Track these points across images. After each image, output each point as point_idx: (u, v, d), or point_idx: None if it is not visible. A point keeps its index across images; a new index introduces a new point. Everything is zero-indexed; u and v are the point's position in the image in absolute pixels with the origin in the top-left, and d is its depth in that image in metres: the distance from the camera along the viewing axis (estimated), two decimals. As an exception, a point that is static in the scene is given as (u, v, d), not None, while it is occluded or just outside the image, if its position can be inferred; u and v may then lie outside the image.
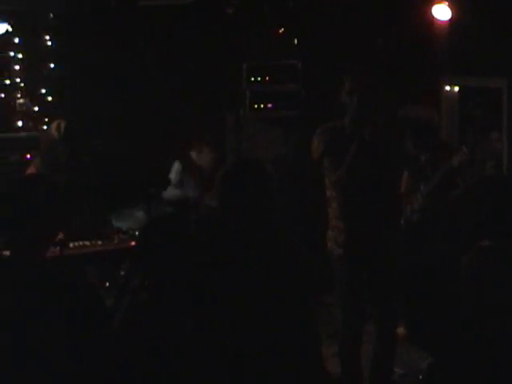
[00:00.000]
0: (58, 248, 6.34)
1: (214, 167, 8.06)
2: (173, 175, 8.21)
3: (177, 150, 8.42)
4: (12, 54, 8.52)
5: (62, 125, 7.30)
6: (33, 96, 8.66)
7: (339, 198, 5.88)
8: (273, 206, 4.05)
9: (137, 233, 7.04)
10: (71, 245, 6.82)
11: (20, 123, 8.51)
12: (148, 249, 3.95)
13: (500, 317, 3.68)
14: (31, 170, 7.24)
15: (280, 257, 3.91)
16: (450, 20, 8.17)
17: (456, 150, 6.77)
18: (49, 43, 8.71)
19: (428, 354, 6.37)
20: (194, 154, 8.40)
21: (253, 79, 9.08)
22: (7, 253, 3.68)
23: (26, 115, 8.59)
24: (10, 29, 8.41)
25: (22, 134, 8.48)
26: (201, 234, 4.29)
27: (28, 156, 8.10)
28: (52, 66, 8.74)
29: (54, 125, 7.38)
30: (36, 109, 8.64)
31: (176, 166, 8.26)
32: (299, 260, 4.03)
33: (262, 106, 9.12)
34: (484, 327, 3.68)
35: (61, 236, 6.15)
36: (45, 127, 8.53)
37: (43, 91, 8.70)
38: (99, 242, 7.03)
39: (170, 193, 7.97)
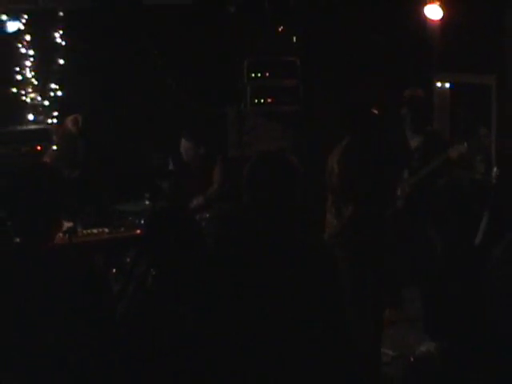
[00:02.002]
0: (67, 236, 6.37)
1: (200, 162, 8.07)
2: (171, 167, 8.26)
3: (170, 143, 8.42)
4: (23, 50, 8.61)
5: (80, 119, 7.44)
6: (43, 91, 8.73)
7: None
8: (300, 199, 3.83)
9: (142, 222, 7.16)
10: (79, 233, 6.90)
11: (31, 117, 8.61)
12: (153, 238, 3.93)
13: None
14: (46, 159, 7.41)
15: (307, 251, 3.76)
16: (442, 19, 8.35)
17: (453, 143, 6.97)
18: (58, 40, 8.80)
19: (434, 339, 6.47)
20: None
21: (253, 75, 9.27)
22: (18, 240, 3.72)
23: (37, 109, 8.68)
24: (22, 27, 8.51)
25: (33, 127, 8.54)
26: (225, 229, 4.18)
27: (38, 148, 8.18)
28: (61, 61, 8.83)
29: (70, 119, 7.49)
30: (46, 103, 8.73)
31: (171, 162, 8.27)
32: (324, 254, 3.92)
33: (262, 100, 9.29)
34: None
35: (70, 224, 6.38)
36: (52, 121, 8.70)
37: (53, 86, 8.79)
38: (106, 230, 7.12)
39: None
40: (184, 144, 8.01)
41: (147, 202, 7.35)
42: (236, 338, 3.57)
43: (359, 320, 5.94)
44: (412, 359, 6.41)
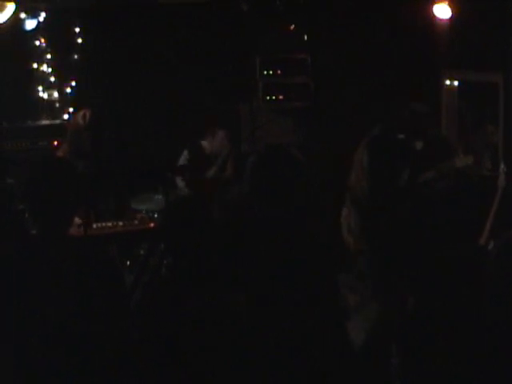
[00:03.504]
0: (82, 228, 6.53)
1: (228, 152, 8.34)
2: (181, 162, 8.46)
3: (187, 138, 8.67)
4: (41, 48, 8.75)
5: (88, 114, 7.48)
6: (60, 87, 8.87)
7: None
8: (304, 192, 4.03)
9: (156, 215, 7.27)
10: (94, 226, 6.93)
11: (48, 112, 8.74)
12: (168, 230, 3.99)
13: None
14: (60, 154, 7.41)
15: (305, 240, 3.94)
16: (450, 18, 8.44)
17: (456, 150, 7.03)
18: (75, 38, 8.95)
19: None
20: (205, 143, 8.64)
21: (265, 72, 9.41)
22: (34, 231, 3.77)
23: (54, 105, 8.83)
24: (40, 24, 8.64)
25: (50, 122, 8.67)
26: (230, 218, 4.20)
27: (55, 143, 8.26)
28: (78, 58, 8.97)
29: (79, 114, 7.51)
30: (63, 99, 8.87)
31: (185, 154, 8.49)
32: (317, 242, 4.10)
33: (274, 97, 9.42)
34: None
35: (85, 217, 6.58)
36: (68, 116, 8.79)
37: (70, 83, 8.94)
38: (120, 223, 7.11)
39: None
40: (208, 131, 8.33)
41: (159, 197, 7.48)
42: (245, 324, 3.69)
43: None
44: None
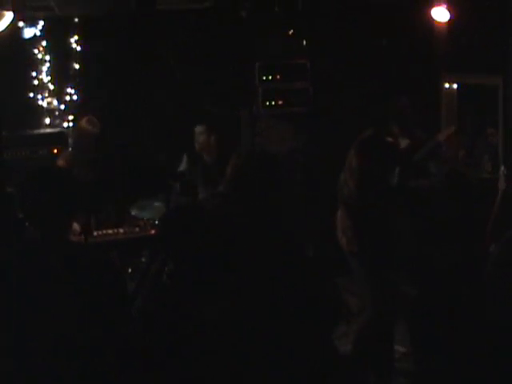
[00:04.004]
0: (83, 236, 6.63)
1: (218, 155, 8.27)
2: (182, 168, 8.42)
3: (184, 144, 8.62)
4: (40, 56, 8.76)
5: (94, 120, 7.61)
6: (59, 95, 8.88)
7: None
8: (280, 195, 4.13)
9: (156, 222, 7.20)
10: (95, 233, 7.02)
11: (47, 120, 8.75)
12: (168, 237, 4.05)
13: None
14: (60, 162, 7.56)
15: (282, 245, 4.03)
16: (449, 21, 8.45)
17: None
18: (74, 45, 8.95)
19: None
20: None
21: (265, 78, 9.36)
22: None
23: (53, 113, 8.82)
24: (38, 33, 8.65)
25: (49, 130, 8.68)
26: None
27: (55, 151, 8.27)
28: (77, 66, 8.97)
29: (84, 120, 7.67)
30: (62, 107, 8.87)
31: (185, 159, 8.48)
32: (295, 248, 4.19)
33: (273, 102, 9.38)
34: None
35: (85, 225, 6.56)
36: (68, 124, 8.80)
37: (69, 91, 8.94)
38: (121, 231, 7.22)
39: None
40: (197, 129, 8.34)
41: (160, 204, 7.45)
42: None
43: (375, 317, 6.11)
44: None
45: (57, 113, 8.88)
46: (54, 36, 8.89)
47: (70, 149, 8.03)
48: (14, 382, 3.51)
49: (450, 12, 8.36)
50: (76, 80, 9.00)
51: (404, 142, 7.29)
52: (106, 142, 7.88)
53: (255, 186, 4.09)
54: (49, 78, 8.85)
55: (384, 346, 6.28)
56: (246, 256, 3.94)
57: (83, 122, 7.65)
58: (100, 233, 7.14)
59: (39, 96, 8.80)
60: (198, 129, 8.39)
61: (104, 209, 7.43)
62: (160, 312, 3.87)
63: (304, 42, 9.45)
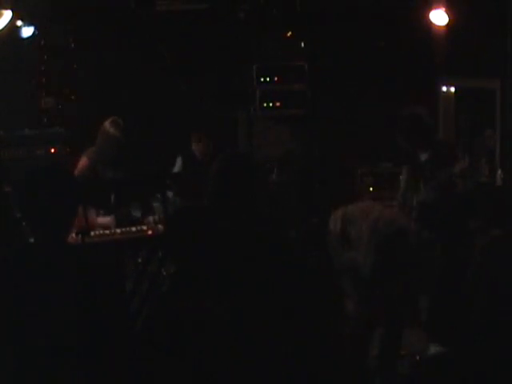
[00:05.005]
0: (80, 236, 6.45)
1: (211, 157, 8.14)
2: (176, 169, 8.47)
3: (181, 145, 8.65)
4: (38, 55, 8.81)
5: (118, 121, 7.54)
6: (57, 94, 8.92)
7: None
8: (261, 195, 4.12)
9: (154, 222, 7.19)
10: (92, 233, 6.90)
11: (45, 120, 8.78)
12: (172, 239, 4.02)
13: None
14: (83, 161, 7.53)
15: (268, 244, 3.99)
16: (447, 24, 8.40)
17: (457, 157, 6.95)
18: (72, 45, 9.00)
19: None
20: (193, 145, 8.56)
21: (262, 79, 9.41)
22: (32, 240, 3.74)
23: (51, 113, 8.87)
24: (36, 32, 8.63)
25: (47, 130, 8.65)
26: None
27: (52, 150, 8.22)
28: (74, 66, 9.02)
29: (108, 121, 7.55)
30: (60, 106, 8.91)
31: (179, 161, 8.50)
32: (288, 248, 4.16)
33: (271, 104, 9.43)
34: (496, 313, 3.71)
35: (84, 225, 6.57)
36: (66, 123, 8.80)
37: (66, 90, 8.98)
38: (118, 231, 7.13)
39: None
40: (194, 136, 8.34)
41: (157, 205, 7.44)
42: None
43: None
44: (418, 358, 6.49)
45: (54, 112, 8.91)
46: (52, 36, 8.93)
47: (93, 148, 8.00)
48: (13, 381, 3.50)
49: (448, 15, 8.32)
50: (73, 79, 9.04)
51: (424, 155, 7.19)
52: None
53: (237, 193, 4.05)
54: (46, 77, 8.90)
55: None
56: (246, 256, 3.91)
57: (107, 124, 7.60)
58: (97, 233, 7.06)
59: (37, 95, 8.85)
60: (195, 136, 8.43)
61: (104, 210, 7.39)
62: (159, 312, 3.86)
63: (302, 44, 9.50)
